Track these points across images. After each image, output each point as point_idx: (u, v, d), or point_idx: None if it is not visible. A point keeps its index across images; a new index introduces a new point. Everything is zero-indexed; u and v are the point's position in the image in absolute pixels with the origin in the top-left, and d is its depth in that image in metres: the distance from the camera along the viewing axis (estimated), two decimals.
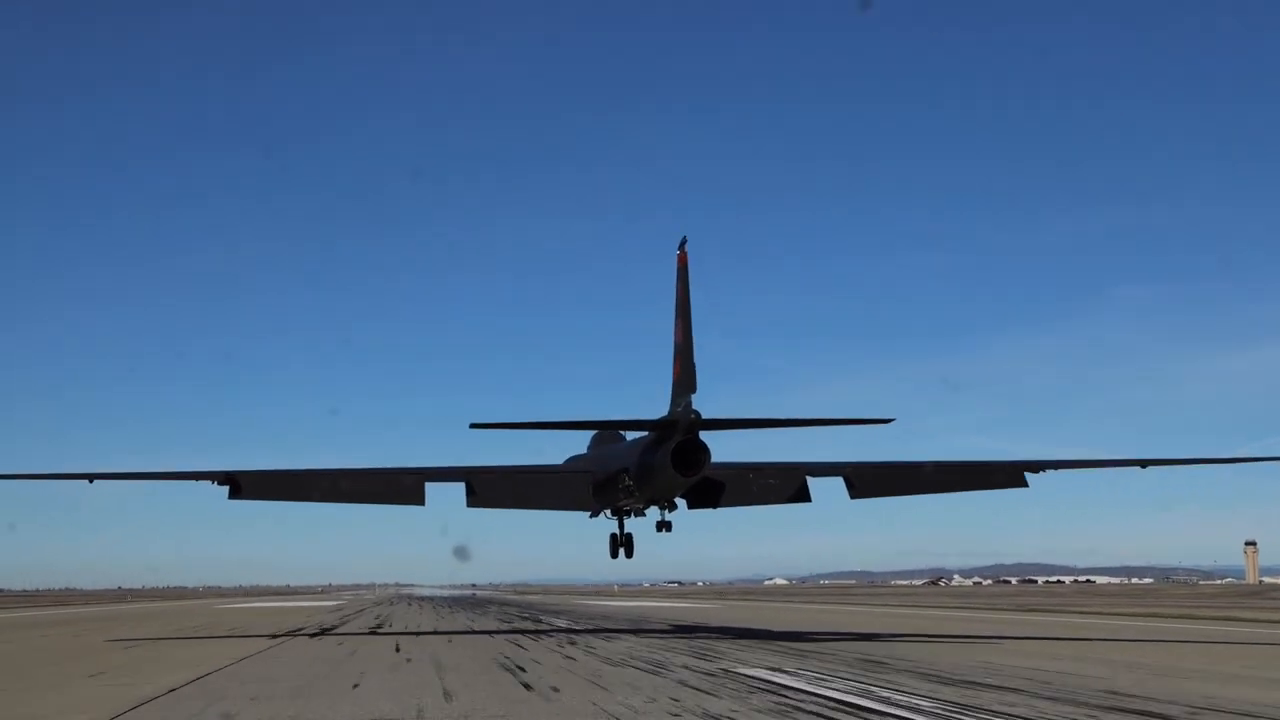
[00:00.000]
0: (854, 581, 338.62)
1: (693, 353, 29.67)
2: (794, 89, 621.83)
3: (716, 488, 32.79)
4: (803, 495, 33.79)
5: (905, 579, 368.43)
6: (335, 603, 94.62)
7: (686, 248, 30.89)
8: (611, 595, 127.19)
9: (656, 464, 29.38)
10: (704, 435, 28.79)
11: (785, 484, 33.75)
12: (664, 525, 33.37)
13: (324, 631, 37.31)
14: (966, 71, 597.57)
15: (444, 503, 33.08)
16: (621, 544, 35.11)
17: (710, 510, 33.75)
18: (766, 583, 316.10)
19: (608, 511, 34.46)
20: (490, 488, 32.98)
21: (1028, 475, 32.80)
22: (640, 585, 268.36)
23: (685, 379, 29.56)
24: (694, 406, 28.78)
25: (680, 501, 32.94)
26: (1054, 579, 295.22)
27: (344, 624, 44.03)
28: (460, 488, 32.67)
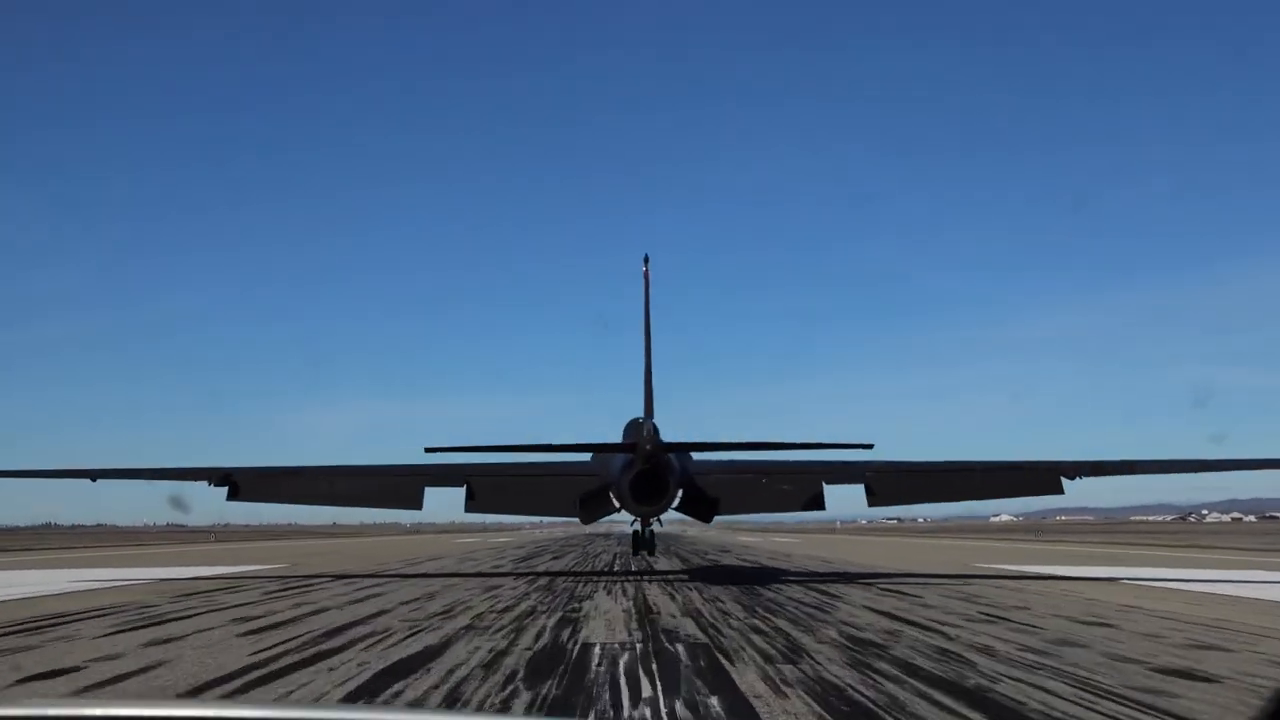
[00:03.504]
0: (1091, 518, 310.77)
1: (651, 373, 29.31)
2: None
3: (709, 503, 30.47)
4: (817, 503, 31.23)
5: (1140, 514, 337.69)
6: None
7: (649, 266, 31.14)
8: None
9: (624, 489, 27.95)
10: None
11: (800, 491, 31.27)
12: (644, 544, 32.65)
13: None
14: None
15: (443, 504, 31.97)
16: (645, 541, 33.04)
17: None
18: (993, 519, 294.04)
19: None
20: (491, 491, 31.10)
21: (1064, 480, 30.07)
22: (856, 521, 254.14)
23: (647, 403, 28.87)
24: (656, 425, 27.07)
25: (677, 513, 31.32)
26: None
27: None
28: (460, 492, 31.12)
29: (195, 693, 9.28)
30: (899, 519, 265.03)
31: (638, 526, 32.74)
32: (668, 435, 27.79)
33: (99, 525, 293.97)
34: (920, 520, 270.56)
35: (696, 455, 29.61)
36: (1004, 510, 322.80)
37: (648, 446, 26.36)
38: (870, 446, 26.60)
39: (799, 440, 26.48)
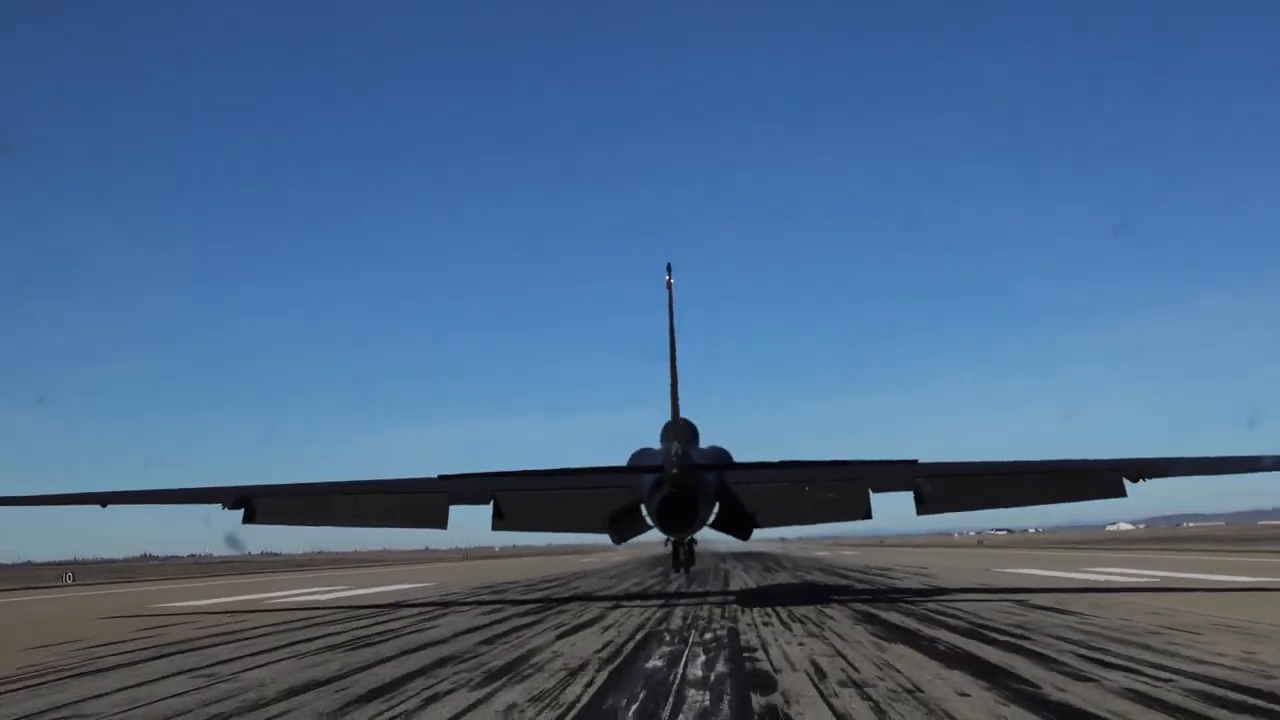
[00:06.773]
0: (1224, 523, 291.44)
1: (676, 387, 25.50)
2: None
3: (746, 519, 28.66)
4: (865, 513, 28.19)
5: (1269, 519, 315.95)
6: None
7: (672, 275, 28.40)
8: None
9: (652, 513, 26.53)
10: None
11: (845, 499, 28.12)
12: (681, 561, 29.98)
13: None
14: None
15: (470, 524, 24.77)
16: (684, 556, 31.10)
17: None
18: (1109, 528, 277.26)
19: None
20: (519, 507, 28.61)
21: (1126, 483, 26.92)
22: (967, 535, 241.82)
23: (674, 421, 25.75)
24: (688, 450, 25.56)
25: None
26: None
27: None
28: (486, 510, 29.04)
29: None
30: (1009, 529, 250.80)
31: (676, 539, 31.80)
32: (707, 440, 27.66)
33: (192, 555, 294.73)
34: (1031, 531, 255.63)
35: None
36: (1120, 519, 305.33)
37: (674, 470, 24.67)
38: (914, 462, 25.92)
39: (840, 458, 26.01)
